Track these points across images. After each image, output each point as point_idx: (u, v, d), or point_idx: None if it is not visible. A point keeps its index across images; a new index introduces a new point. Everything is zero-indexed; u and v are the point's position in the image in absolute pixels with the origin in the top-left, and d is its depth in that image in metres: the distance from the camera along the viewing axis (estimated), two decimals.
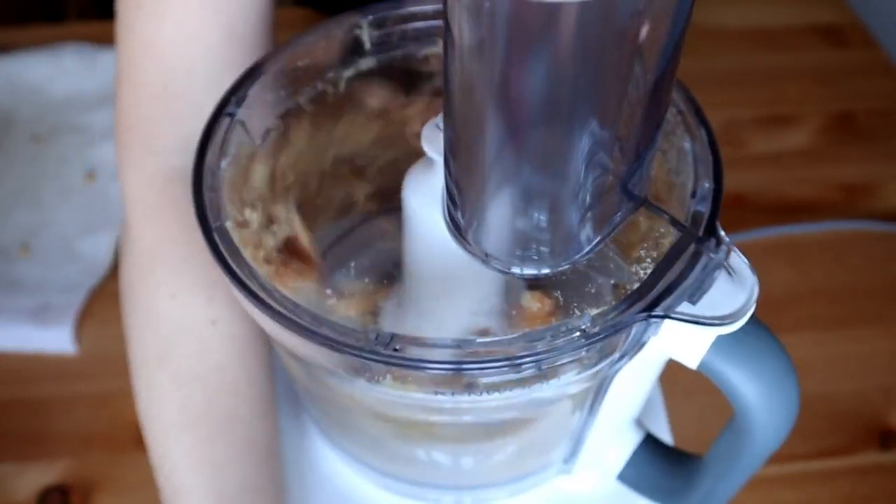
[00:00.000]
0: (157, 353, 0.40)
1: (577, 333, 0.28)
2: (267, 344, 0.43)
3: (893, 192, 0.71)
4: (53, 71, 0.77)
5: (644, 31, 0.22)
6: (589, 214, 0.27)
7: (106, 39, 0.77)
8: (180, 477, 0.39)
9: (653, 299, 0.29)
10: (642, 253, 0.33)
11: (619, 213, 0.29)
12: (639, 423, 0.44)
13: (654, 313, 0.29)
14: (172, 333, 0.40)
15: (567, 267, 0.29)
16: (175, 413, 0.39)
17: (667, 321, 0.29)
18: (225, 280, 0.31)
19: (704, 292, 0.29)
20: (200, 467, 0.38)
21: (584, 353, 0.29)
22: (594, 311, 0.29)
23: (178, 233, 0.41)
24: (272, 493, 0.40)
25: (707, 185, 0.33)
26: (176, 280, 0.41)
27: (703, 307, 0.29)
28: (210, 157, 0.35)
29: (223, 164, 0.35)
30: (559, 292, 0.34)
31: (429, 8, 0.40)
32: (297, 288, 0.34)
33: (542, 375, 0.30)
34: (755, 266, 0.30)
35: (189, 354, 0.40)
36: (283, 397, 0.49)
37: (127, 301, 0.42)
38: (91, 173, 0.70)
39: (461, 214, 0.29)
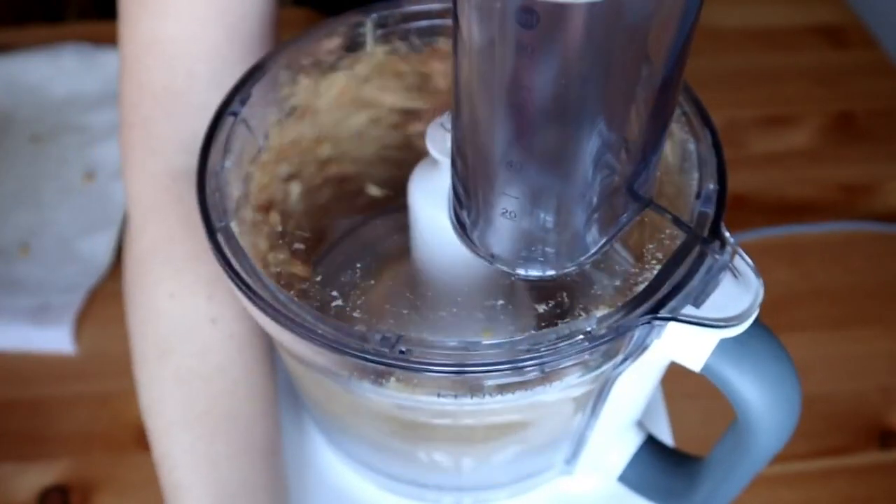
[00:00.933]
0: (158, 352, 0.40)
1: (582, 336, 0.28)
2: (268, 341, 0.43)
3: (893, 192, 0.71)
4: (53, 71, 0.77)
5: (652, 31, 0.22)
6: (595, 216, 0.27)
7: (106, 39, 0.77)
8: (180, 474, 0.39)
9: (658, 301, 0.29)
10: (647, 255, 0.33)
11: (625, 215, 0.29)
12: (640, 424, 0.44)
13: (659, 315, 0.29)
14: (172, 332, 0.40)
15: (572, 269, 0.29)
16: (176, 411, 0.39)
17: (671, 323, 0.29)
18: (226, 279, 0.31)
19: (709, 294, 0.29)
20: (200, 464, 0.38)
21: (588, 356, 0.29)
22: (599, 314, 0.29)
23: (179, 231, 0.41)
24: (272, 490, 0.40)
25: (711, 186, 0.33)
26: (176, 279, 0.40)
27: (708, 309, 0.29)
28: (214, 156, 0.35)
29: (227, 163, 0.35)
30: (564, 294, 0.34)
31: (431, 7, 0.40)
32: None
33: (546, 378, 0.30)
34: (755, 266, 0.30)
35: (190, 354, 0.40)
36: (283, 397, 0.49)
37: (128, 299, 0.42)
38: (90, 173, 0.69)
39: (467, 214, 0.29)
